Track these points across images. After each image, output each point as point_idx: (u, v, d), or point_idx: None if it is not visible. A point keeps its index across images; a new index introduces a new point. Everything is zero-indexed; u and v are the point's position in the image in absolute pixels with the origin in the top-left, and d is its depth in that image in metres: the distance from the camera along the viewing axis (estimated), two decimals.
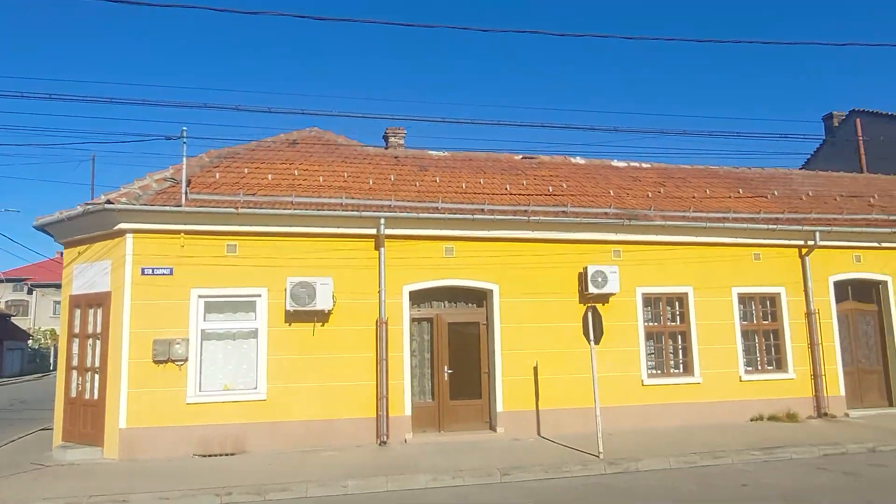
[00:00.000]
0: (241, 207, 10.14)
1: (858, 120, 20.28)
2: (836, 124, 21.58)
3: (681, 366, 12.34)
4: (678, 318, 12.42)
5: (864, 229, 13.10)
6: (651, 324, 12.25)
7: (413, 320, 11.38)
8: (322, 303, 10.11)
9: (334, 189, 11.44)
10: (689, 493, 7.74)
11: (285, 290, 10.09)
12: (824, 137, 21.88)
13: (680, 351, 12.39)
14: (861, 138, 19.86)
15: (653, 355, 12.23)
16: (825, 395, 12.53)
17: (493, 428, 11.20)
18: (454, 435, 10.99)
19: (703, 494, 7.71)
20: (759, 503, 7.31)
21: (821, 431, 11.13)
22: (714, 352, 12.25)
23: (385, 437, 10.34)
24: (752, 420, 12.16)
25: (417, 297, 11.39)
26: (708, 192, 14.29)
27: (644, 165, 16.14)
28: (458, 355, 11.52)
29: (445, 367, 11.36)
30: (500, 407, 11.13)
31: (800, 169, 21.65)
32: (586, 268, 11.50)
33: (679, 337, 12.40)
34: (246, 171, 11.77)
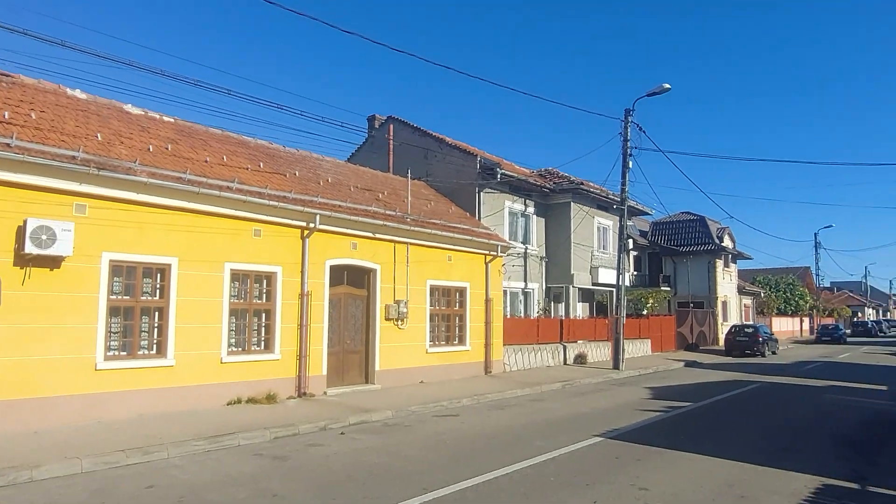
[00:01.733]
0: None
1: (392, 126, 22.49)
2: (377, 125, 23.60)
3: (154, 346, 10.80)
4: (158, 291, 10.86)
5: (361, 219, 13.92)
6: (121, 297, 10.35)
7: None
8: None
9: None
10: None
11: None
12: (367, 135, 23.69)
13: (155, 330, 10.84)
14: (392, 141, 22.00)
15: (119, 334, 10.35)
16: (307, 375, 12.75)
17: None
18: None
19: None
20: None
21: (290, 412, 11.05)
22: (195, 331, 11.10)
23: None
24: (229, 404, 11.45)
25: None
26: (226, 159, 13.20)
27: (165, 118, 14.18)
28: None
29: None
30: None
31: (346, 160, 22.99)
32: (27, 220, 8.90)
33: (156, 313, 10.85)
34: None
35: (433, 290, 16.26)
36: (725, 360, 27.13)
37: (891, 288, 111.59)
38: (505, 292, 21.48)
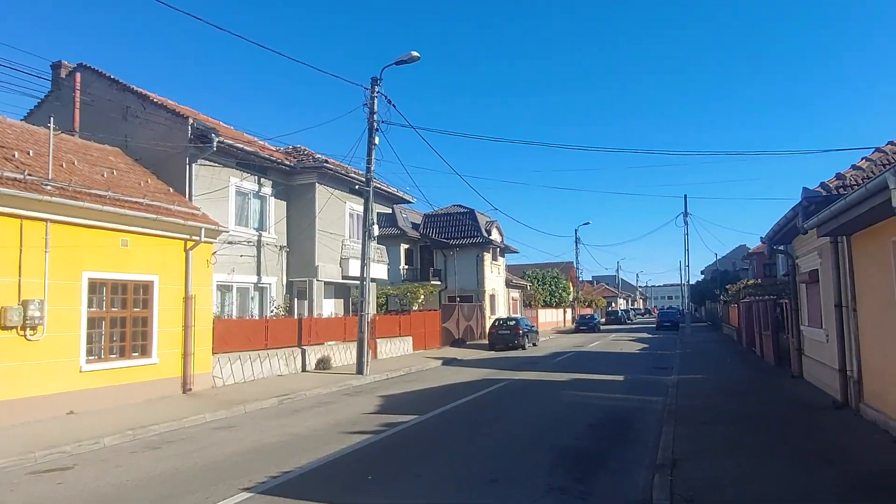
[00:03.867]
0: None
1: (80, 75, 17.43)
2: (64, 75, 18.25)
3: None
4: None
5: None
6: None
7: None
8: None
9: None
10: None
11: None
12: (51, 86, 18.18)
13: None
14: (79, 94, 16.96)
15: None
16: None
17: None
18: None
19: None
20: None
21: None
22: None
23: None
24: None
25: None
26: None
27: None
28: None
29: None
30: None
31: (24, 118, 17.45)
32: None
33: None
34: None
35: (96, 285, 12.03)
36: (487, 354, 26.36)
37: (637, 280, 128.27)
38: (229, 288, 17.77)
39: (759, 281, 33.86)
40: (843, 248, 10.44)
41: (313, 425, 10.62)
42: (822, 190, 10.44)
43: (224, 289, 17.53)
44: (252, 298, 18.77)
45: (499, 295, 39.52)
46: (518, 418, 11.17)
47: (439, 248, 37.14)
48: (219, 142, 16.10)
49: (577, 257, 58.00)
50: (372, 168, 18.12)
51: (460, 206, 37.97)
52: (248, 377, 16.05)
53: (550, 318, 53.22)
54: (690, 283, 60.44)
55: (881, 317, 8.80)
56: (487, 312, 36.08)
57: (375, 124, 17.92)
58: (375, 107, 17.86)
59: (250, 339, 16.34)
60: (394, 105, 18.17)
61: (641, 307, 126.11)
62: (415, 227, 38.01)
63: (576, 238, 56.56)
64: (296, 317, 19.09)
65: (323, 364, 18.88)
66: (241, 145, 17.06)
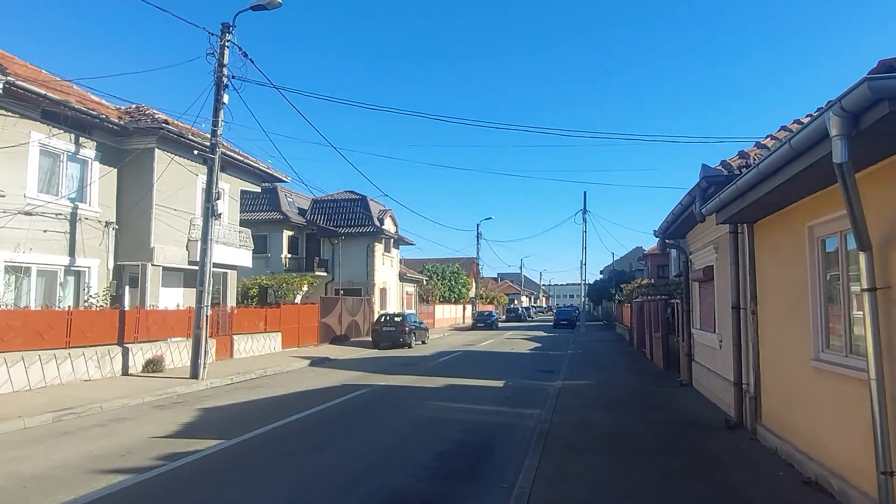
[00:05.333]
0: None
1: None
2: None
3: None
4: None
5: None
6: None
7: None
8: None
9: None
10: None
11: None
12: None
13: None
14: None
15: None
16: None
17: None
18: None
19: None
20: None
21: None
22: None
23: None
24: None
25: None
26: None
27: None
28: None
29: None
30: None
31: None
32: None
33: None
34: None
35: None
36: (367, 353, 23.89)
37: (541, 279, 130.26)
38: (24, 270, 14.24)
39: (653, 281, 33.51)
40: (743, 238, 8.82)
41: (65, 457, 7.74)
42: (723, 169, 8.81)
43: (16, 271, 13.98)
44: (62, 285, 15.25)
45: (391, 289, 37.14)
46: (353, 442, 8.79)
47: (327, 237, 34.23)
48: (6, 82, 12.58)
49: (478, 252, 56.63)
50: (219, 132, 15.15)
51: (352, 192, 35.25)
52: (37, 383, 12.69)
53: (449, 315, 51.52)
54: (589, 282, 60.86)
55: (787, 321, 7.15)
56: (377, 307, 33.60)
57: (225, 79, 14.97)
58: (226, 58, 14.91)
59: (43, 336, 12.97)
60: (251, 59, 15.30)
61: (544, 305, 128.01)
62: (301, 213, 34.90)
63: (477, 233, 55.14)
64: (119, 308, 15.74)
65: (153, 366, 15.69)
66: (40, 90, 13.52)
